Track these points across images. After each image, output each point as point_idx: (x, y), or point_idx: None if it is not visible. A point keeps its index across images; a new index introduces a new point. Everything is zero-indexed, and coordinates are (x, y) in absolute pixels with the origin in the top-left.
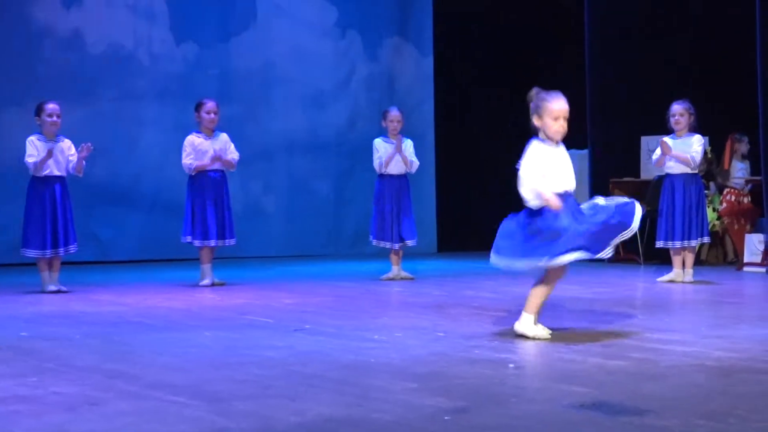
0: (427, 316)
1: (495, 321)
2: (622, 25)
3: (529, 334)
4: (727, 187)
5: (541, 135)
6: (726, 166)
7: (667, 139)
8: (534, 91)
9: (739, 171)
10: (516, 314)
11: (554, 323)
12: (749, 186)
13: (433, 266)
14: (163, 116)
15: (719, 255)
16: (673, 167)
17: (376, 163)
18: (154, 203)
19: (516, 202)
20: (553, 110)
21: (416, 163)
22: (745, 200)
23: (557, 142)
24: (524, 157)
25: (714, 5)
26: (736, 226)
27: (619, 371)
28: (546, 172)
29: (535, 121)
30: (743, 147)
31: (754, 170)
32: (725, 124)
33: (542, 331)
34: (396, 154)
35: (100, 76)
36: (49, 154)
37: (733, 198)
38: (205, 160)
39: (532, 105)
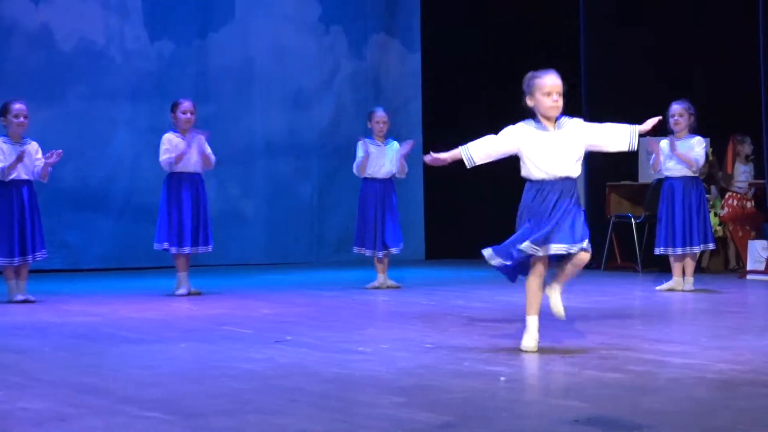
0: (415, 327)
1: (485, 332)
2: (618, 23)
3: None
4: (729, 190)
5: (538, 117)
6: (729, 170)
7: (663, 142)
8: (527, 76)
9: (742, 174)
10: (507, 324)
11: (548, 334)
12: (752, 190)
13: (421, 274)
14: (136, 116)
15: (720, 262)
16: (673, 169)
17: (354, 166)
18: (126, 208)
19: (508, 208)
20: (545, 85)
21: (405, 167)
22: (749, 204)
23: (555, 122)
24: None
25: (715, 2)
26: (740, 233)
27: (616, 384)
28: (503, 148)
29: (529, 102)
30: (746, 148)
31: (758, 172)
32: (726, 125)
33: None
34: (383, 157)
35: (70, 74)
36: (20, 158)
37: (735, 202)
38: (182, 147)
39: (524, 87)
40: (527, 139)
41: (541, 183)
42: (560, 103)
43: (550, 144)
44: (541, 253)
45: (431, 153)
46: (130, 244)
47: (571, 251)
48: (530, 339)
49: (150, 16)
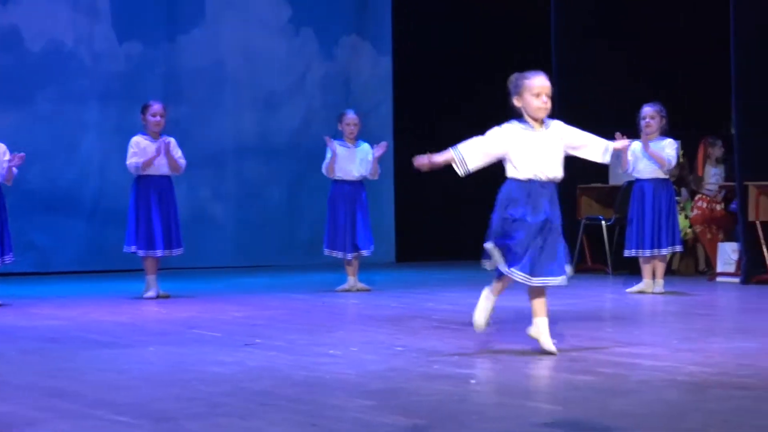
0: (385, 330)
1: (456, 335)
2: (589, 25)
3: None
4: (698, 193)
5: (524, 117)
6: (700, 172)
7: (635, 144)
8: (513, 76)
9: (713, 176)
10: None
11: (519, 336)
12: (722, 193)
13: (391, 277)
14: (105, 118)
15: (691, 264)
16: (643, 171)
17: (323, 166)
18: (95, 210)
19: (479, 211)
20: (534, 86)
21: (378, 170)
22: (718, 207)
23: (542, 123)
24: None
25: (686, 6)
26: (708, 235)
27: (587, 387)
28: (496, 151)
29: (516, 102)
30: (717, 151)
31: (728, 175)
32: (697, 128)
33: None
34: (352, 157)
35: (38, 76)
36: None
37: (704, 205)
38: (150, 153)
39: (511, 87)
40: (516, 140)
41: (530, 183)
42: (549, 104)
43: (539, 144)
44: (531, 284)
45: (429, 155)
46: (99, 246)
47: (555, 284)
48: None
49: (119, 18)
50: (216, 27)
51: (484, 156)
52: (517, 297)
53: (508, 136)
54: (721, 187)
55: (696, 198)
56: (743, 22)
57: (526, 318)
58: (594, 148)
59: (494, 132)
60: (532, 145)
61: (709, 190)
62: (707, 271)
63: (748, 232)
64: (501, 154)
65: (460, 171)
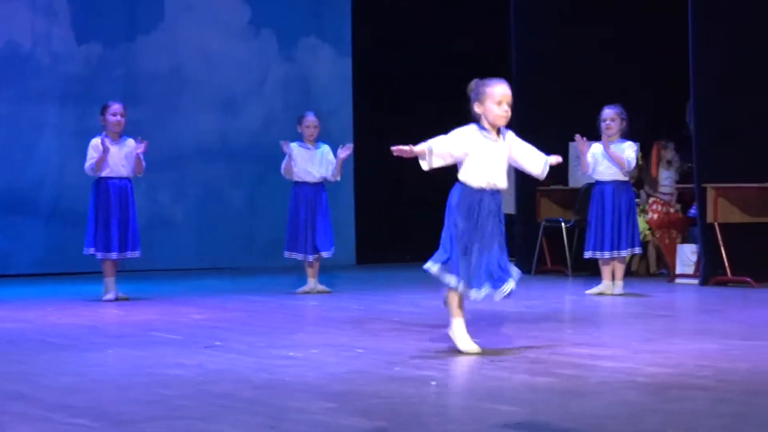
0: (345, 332)
1: (416, 336)
2: (548, 27)
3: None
4: (653, 196)
5: (482, 123)
6: (653, 174)
7: (595, 146)
8: (474, 82)
9: (666, 179)
10: (438, 328)
11: (478, 338)
12: (675, 196)
13: (352, 279)
14: (63, 120)
15: (642, 266)
16: (603, 173)
17: (281, 168)
18: (54, 212)
19: (439, 213)
20: (496, 94)
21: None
22: (673, 210)
23: (499, 134)
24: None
25: (645, 7)
26: (667, 240)
27: (547, 389)
28: (457, 154)
29: (477, 108)
30: (669, 153)
31: (687, 178)
32: (651, 131)
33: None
34: (312, 158)
35: None
36: None
37: (660, 208)
38: (101, 149)
39: (472, 94)
40: (476, 145)
41: (480, 193)
42: (509, 113)
43: (494, 154)
44: (475, 298)
45: (410, 146)
46: (58, 249)
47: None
48: (467, 341)
49: (77, 19)
50: (175, 28)
51: (447, 156)
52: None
53: (470, 139)
54: (676, 190)
55: (651, 201)
56: (702, 25)
57: (486, 320)
58: (535, 162)
59: (458, 133)
60: (489, 153)
61: (663, 193)
62: (659, 272)
63: (706, 233)
64: (461, 156)
65: (426, 166)
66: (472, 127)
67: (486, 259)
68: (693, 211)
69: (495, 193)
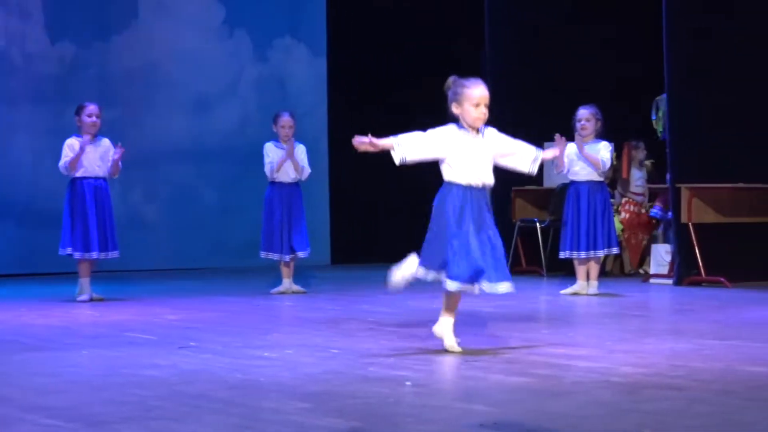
0: (320, 332)
1: (391, 336)
2: (523, 27)
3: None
4: (625, 197)
5: (461, 123)
6: (624, 175)
7: (570, 146)
8: (451, 79)
9: (638, 180)
10: (413, 328)
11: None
12: (647, 197)
13: (327, 279)
14: (37, 120)
15: (617, 267)
16: (578, 173)
17: (266, 168)
18: (27, 213)
19: (414, 212)
20: (474, 96)
21: (308, 170)
22: (643, 211)
23: (478, 132)
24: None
25: (621, 7)
26: (633, 241)
27: (522, 389)
28: (435, 150)
29: (454, 109)
30: (640, 154)
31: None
32: (625, 131)
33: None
34: (287, 160)
35: None
36: None
37: (632, 208)
38: (77, 149)
39: (450, 93)
40: (456, 143)
41: (468, 189)
42: (487, 114)
43: (476, 150)
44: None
45: (369, 137)
46: (32, 249)
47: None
48: (453, 340)
49: (51, 19)
50: (149, 28)
51: (423, 151)
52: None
53: (449, 137)
54: (648, 190)
55: (623, 201)
56: (676, 25)
57: (461, 320)
58: (523, 159)
59: (436, 131)
60: (470, 150)
61: (635, 193)
62: (633, 273)
63: (680, 234)
64: (439, 155)
65: (397, 159)
66: (451, 126)
67: (486, 252)
68: (654, 210)
69: (483, 189)
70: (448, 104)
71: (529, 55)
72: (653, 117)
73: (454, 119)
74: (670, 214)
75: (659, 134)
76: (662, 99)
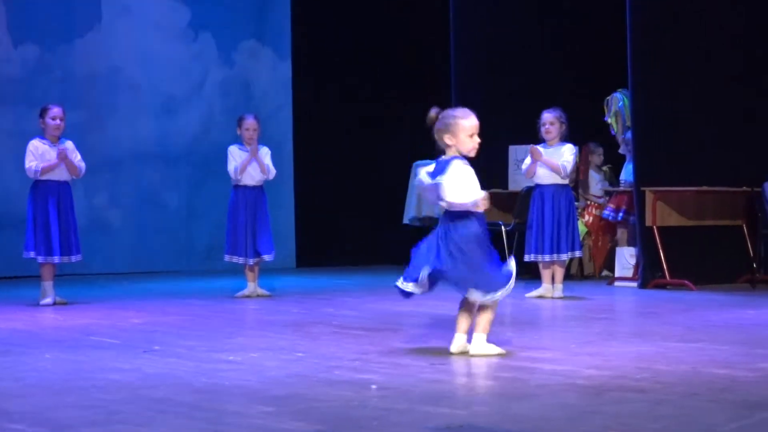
0: (285, 336)
1: (356, 340)
2: (489, 31)
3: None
4: (587, 199)
5: (452, 153)
6: (581, 177)
7: (539, 146)
8: (434, 111)
9: (598, 183)
10: (378, 332)
11: (419, 342)
12: (607, 200)
13: (292, 282)
14: None
15: (579, 270)
16: (543, 177)
17: (231, 170)
18: None
19: (378, 216)
20: (468, 127)
21: (273, 170)
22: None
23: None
24: (455, 173)
25: (584, 12)
26: (599, 243)
27: (487, 391)
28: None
29: (448, 140)
30: (596, 158)
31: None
32: (591, 133)
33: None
34: (252, 161)
35: None
36: None
37: (595, 211)
38: (52, 160)
39: (438, 125)
40: (472, 175)
41: (482, 215)
42: (479, 142)
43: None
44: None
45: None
46: None
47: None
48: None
49: (13, 21)
50: (113, 31)
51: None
52: (421, 301)
53: (472, 172)
54: (606, 192)
55: (587, 204)
56: (639, 27)
57: (427, 323)
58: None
59: (469, 170)
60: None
61: (596, 196)
62: (593, 276)
63: (645, 237)
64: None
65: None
66: (462, 163)
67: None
68: (606, 212)
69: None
70: (435, 135)
71: (494, 61)
72: (605, 118)
73: (442, 150)
74: (621, 215)
75: (617, 133)
76: (613, 98)
